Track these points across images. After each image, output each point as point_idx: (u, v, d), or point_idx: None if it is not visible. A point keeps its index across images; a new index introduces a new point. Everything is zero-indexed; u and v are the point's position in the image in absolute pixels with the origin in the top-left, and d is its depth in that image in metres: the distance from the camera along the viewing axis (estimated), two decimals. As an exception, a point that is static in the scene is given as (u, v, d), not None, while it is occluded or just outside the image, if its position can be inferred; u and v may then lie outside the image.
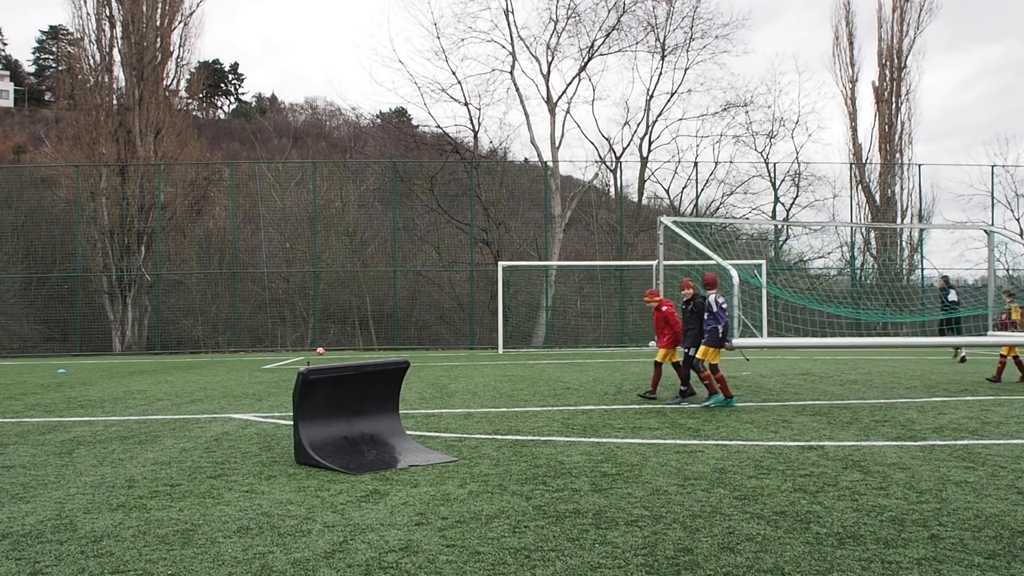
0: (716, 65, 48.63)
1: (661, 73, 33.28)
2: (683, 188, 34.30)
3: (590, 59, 32.34)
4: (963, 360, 19.42)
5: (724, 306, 10.78)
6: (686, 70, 33.14)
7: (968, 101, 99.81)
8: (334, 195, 33.72)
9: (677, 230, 12.03)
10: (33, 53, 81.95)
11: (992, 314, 14.90)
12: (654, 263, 13.68)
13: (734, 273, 10.81)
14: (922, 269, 31.12)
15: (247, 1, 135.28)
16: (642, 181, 34.03)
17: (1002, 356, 14.27)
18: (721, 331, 10.68)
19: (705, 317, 10.82)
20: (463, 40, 32.05)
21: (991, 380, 13.93)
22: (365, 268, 31.67)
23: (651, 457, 7.19)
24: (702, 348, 10.75)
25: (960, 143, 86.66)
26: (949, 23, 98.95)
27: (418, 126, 38.18)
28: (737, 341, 10.96)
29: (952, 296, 18.69)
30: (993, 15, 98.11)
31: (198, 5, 32.32)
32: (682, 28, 33.10)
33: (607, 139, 34.82)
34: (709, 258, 11.90)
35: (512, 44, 31.81)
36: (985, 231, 15.15)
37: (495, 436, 8.50)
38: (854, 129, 33.81)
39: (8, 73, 78.11)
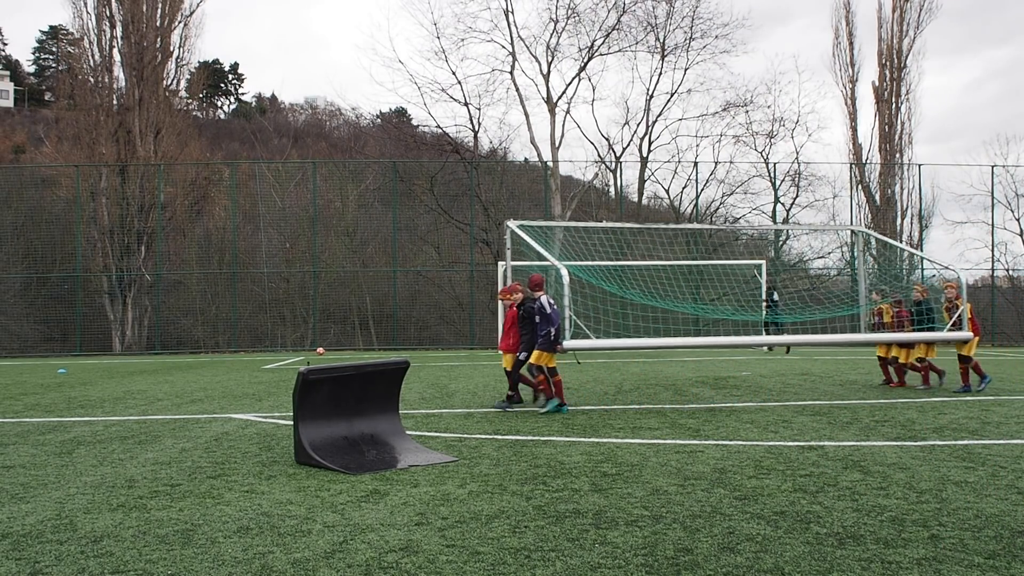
0: (716, 65, 48.83)
1: (661, 73, 33.33)
2: (683, 188, 34.35)
3: (590, 59, 32.37)
4: (788, 351, 21.41)
5: (556, 307, 10.34)
6: (686, 70, 33.19)
7: (978, 102, 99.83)
8: (334, 195, 33.74)
9: (520, 233, 11.51)
10: (33, 53, 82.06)
11: (864, 314, 14.40)
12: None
13: (564, 272, 10.29)
14: (922, 269, 31.13)
15: (246, 1, 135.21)
16: (642, 181, 34.05)
17: (880, 358, 13.68)
18: (553, 333, 10.20)
19: (537, 320, 10.31)
20: (463, 40, 32.10)
21: (921, 387, 12.93)
22: (365, 268, 31.67)
23: (651, 457, 7.19)
24: (536, 353, 10.26)
25: (969, 144, 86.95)
26: (960, 24, 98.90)
27: (418, 126, 38.21)
28: (569, 343, 10.40)
29: (775, 297, 20.25)
30: (1004, 17, 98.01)
31: (198, 5, 32.42)
32: (682, 28, 33.16)
33: (607, 139, 34.87)
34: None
35: (512, 44, 31.85)
36: (852, 231, 14.93)
37: (495, 436, 8.50)
38: (854, 129, 33.85)
39: (8, 73, 78.13)
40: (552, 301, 10.37)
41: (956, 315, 12.32)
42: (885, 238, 15.09)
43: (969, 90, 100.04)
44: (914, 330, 12.98)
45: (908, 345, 12.97)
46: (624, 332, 14.27)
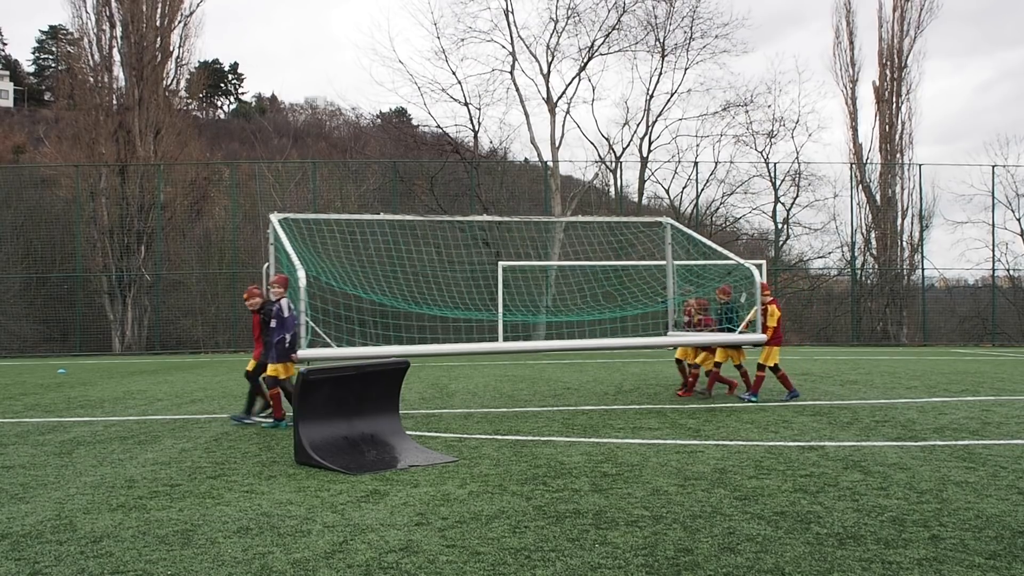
0: (716, 65, 48.77)
1: (661, 73, 33.27)
2: (683, 188, 34.37)
3: (590, 59, 32.33)
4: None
5: (294, 312, 9.33)
6: (686, 70, 33.16)
7: (989, 103, 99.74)
8: (334, 195, 33.71)
9: (276, 227, 10.35)
10: (33, 53, 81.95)
11: (672, 311, 13.16)
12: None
13: (301, 275, 9.22)
14: (923, 269, 31.12)
15: (246, 1, 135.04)
16: (642, 181, 34.04)
17: (684, 361, 12.48)
18: (289, 341, 9.24)
19: (272, 325, 9.37)
20: (463, 40, 32.04)
21: (702, 393, 12.07)
22: (365, 268, 31.65)
23: (651, 457, 7.18)
24: (271, 366, 9.33)
25: (977, 145, 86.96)
26: (973, 26, 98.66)
27: (418, 126, 38.15)
28: (304, 352, 9.26)
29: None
30: (1018, 18, 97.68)
31: (198, 5, 32.31)
32: (682, 28, 33.13)
33: (607, 139, 34.82)
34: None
35: (512, 44, 31.80)
36: (661, 222, 13.56)
37: (495, 436, 8.50)
38: (854, 129, 33.78)
39: (8, 73, 78.04)
40: (292, 305, 9.41)
41: (751, 315, 11.28)
42: (690, 231, 13.35)
43: (980, 91, 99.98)
44: (711, 331, 12.05)
45: (709, 349, 11.97)
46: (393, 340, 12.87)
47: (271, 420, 9.54)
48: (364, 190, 34.20)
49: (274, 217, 10.68)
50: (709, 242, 12.57)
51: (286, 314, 9.31)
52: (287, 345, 9.25)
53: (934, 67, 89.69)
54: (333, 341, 9.78)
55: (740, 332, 11.50)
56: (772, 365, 11.37)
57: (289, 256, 9.51)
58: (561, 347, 11.66)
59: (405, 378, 7.99)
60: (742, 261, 11.72)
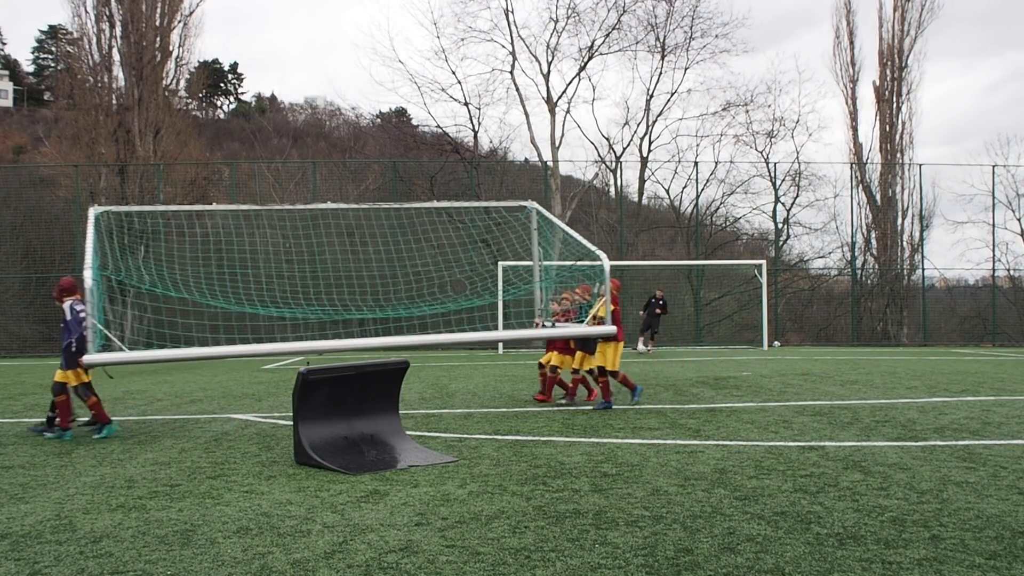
0: (716, 64, 48.84)
1: (661, 73, 33.27)
2: (683, 188, 34.30)
3: (590, 59, 32.35)
4: None
5: (82, 315, 8.69)
6: (686, 70, 33.16)
7: (996, 104, 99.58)
8: (334, 195, 33.70)
9: (90, 224, 9.43)
10: (32, 53, 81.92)
11: (538, 304, 12.18)
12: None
13: (88, 275, 8.44)
14: (923, 269, 31.13)
15: (246, 1, 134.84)
16: (642, 181, 34.05)
17: (541, 367, 11.78)
18: (76, 345, 8.65)
19: (61, 329, 8.93)
20: (463, 40, 32.05)
21: (566, 401, 11.37)
22: (365, 268, 31.64)
23: (651, 457, 7.18)
24: (59, 372, 8.81)
25: (982, 145, 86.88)
26: (981, 27, 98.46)
27: (418, 126, 38.16)
28: (91, 357, 8.33)
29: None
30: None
31: (198, 5, 32.30)
32: (682, 27, 33.13)
33: (607, 139, 34.81)
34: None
35: (512, 44, 31.81)
36: (525, 207, 12.45)
37: (495, 436, 8.49)
38: (855, 129, 33.78)
39: (7, 73, 78.00)
40: (80, 308, 8.83)
41: (596, 308, 10.26)
42: (551, 216, 11.72)
43: (988, 92, 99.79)
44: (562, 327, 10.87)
45: (568, 352, 11.25)
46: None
47: (58, 430, 8.83)
48: (364, 190, 34.21)
49: (92, 212, 9.72)
50: (568, 229, 11.31)
51: (68, 317, 8.84)
52: (73, 350, 8.70)
53: (942, 68, 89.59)
54: (126, 345, 9.04)
55: (588, 324, 10.43)
56: (612, 370, 10.56)
57: (86, 255, 8.84)
58: (408, 343, 10.87)
59: (405, 378, 7.99)
60: (596, 250, 10.39)
